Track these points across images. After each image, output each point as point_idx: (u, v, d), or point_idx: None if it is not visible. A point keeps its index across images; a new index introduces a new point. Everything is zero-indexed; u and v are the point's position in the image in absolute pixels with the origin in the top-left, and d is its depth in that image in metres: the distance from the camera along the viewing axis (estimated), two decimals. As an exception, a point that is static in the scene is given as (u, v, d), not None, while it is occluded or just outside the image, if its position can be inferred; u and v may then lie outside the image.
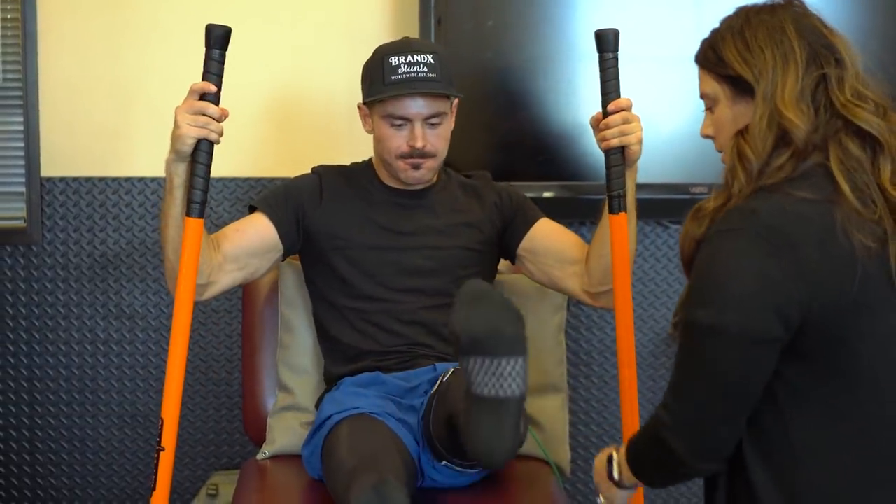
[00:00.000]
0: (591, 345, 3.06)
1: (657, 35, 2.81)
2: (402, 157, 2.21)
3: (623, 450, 1.70)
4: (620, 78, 2.07)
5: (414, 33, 2.75)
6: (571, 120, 2.81)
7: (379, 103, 2.19)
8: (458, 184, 2.35)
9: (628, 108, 2.05)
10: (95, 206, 2.95)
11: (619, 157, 2.06)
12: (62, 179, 2.94)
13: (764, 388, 1.54)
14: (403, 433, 2.09)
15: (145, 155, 2.94)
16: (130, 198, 2.95)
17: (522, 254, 2.30)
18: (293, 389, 2.37)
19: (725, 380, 1.52)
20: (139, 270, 2.96)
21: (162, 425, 1.93)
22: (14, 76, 2.92)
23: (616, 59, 2.05)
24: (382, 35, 2.82)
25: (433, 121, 2.19)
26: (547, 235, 2.29)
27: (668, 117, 2.80)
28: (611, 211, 2.08)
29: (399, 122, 2.18)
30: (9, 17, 2.90)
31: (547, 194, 2.80)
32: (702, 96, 1.70)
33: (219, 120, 1.95)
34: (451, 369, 2.08)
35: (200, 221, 1.97)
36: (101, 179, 2.94)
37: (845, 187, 1.54)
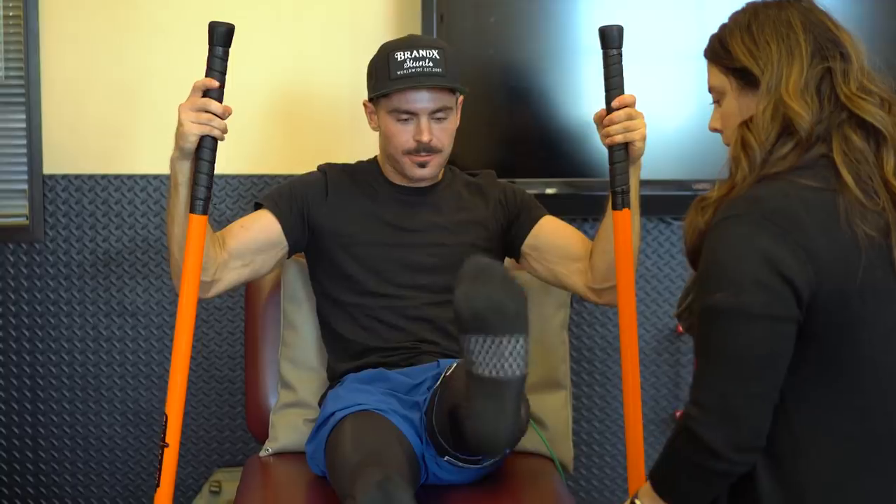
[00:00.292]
0: (594, 341, 3.06)
1: (659, 32, 2.81)
2: (409, 152, 2.21)
3: (646, 486, 1.66)
4: (624, 74, 2.07)
5: (416, 31, 2.75)
6: (574, 116, 2.81)
7: (385, 98, 2.19)
8: (462, 182, 2.35)
9: (632, 105, 2.05)
10: (98, 203, 2.95)
11: (623, 154, 2.06)
12: (64, 177, 2.94)
13: None
14: (407, 429, 2.09)
15: (148, 152, 2.94)
16: (133, 195, 2.95)
17: (527, 251, 2.30)
18: (295, 386, 2.38)
19: (752, 360, 1.51)
20: (142, 268, 2.96)
21: (166, 421, 1.93)
22: (16, 73, 2.92)
23: (620, 55, 2.04)
24: (385, 32, 2.82)
25: (439, 115, 2.19)
26: (551, 232, 2.29)
27: (670, 114, 2.80)
28: (614, 207, 2.07)
29: (405, 116, 2.18)
30: (11, 14, 2.90)
31: (549, 191, 2.79)
32: (710, 90, 1.72)
33: (222, 117, 1.95)
34: (454, 364, 2.08)
35: (204, 218, 1.97)
36: (104, 177, 2.95)
37: (848, 178, 1.55)
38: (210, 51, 1.94)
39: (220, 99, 1.95)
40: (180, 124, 1.94)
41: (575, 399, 3.00)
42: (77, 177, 2.94)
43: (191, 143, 1.94)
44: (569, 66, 2.80)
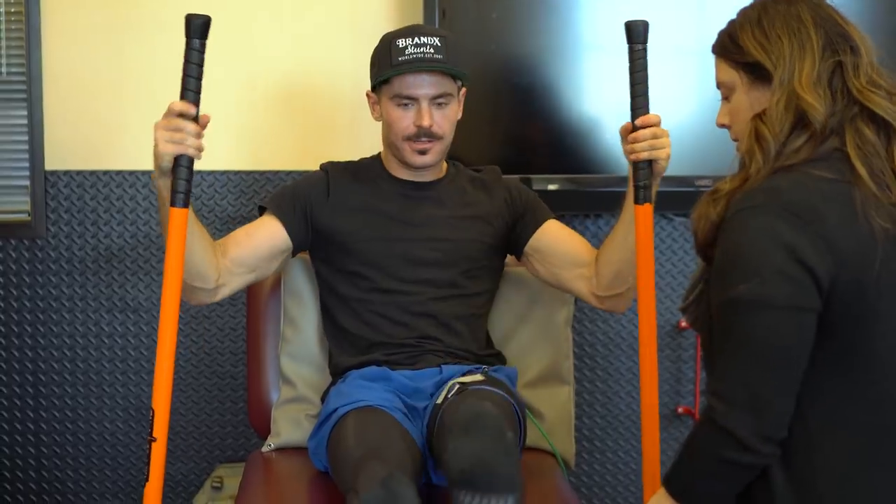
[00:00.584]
0: (596, 338, 3.06)
1: (661, 28, 2.79)
2: (409, 138, 2.21)
3: (660, 493, 1.65)
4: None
5: (418, 25, 2.75)
6: (576, 112, 2.80)
7: (386, 85, 2.20)
8: (467, 177, 2.35)
9: (657, 125, 2.03)
10: (99, 199, 2.95)
11: (648, 171, 2.04)
12: (66, 173, 2.94)
13: None
14: (410, 426, 2.09)
15: (149, 148, 2.88)
16: (135, 191, 2.95)
17: (529, 252, 2.30)
18: (296, 382, 2.38)
19: (777, 351, 1.52)
20: (143, 264, 2.97)
21: (153, 416, 1.92)
22: (17, 70, 2.92)
23: (645, 50, 2.02)
24: (387, 27, 2.81)
25: (440, 101, 2.19)
26: (555, 237, 2.29)
27: (673, 110, 2.79)
28: (636, 201, 2.04)
29: (406, 101, 2.19)
30: (12, 10, 2.90)
31: (552, 187, 2.79)
32: (718, 85, 1.73)
33: (197, 136, 1.92)
34: (456, 385, 2.08)
35: (185, 211, 1.92)
36: (106, 173, 2.94)
37: (863, 171, 1.56)
38: (187, 43, 1.90)
39: (197, 99, 1.92)
40: (155, 144, 1.91)
41: (577, 395, 3.00)
42: (79, 173, 2.94)
43: (166, 162, 1.91)
44: (571, 61, 2.80)
